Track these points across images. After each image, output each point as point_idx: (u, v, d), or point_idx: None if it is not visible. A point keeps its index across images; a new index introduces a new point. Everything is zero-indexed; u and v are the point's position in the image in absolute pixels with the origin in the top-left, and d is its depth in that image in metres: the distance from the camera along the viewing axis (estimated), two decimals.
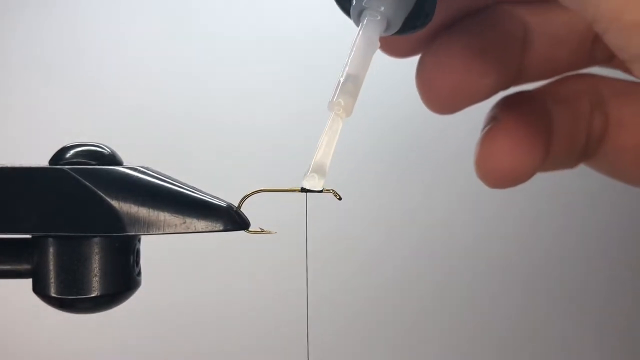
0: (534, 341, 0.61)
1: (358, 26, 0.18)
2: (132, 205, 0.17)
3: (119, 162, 0.18)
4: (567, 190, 0.60)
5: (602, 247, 0.61)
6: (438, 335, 0.60)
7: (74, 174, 0.17)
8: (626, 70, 0.18)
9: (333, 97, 0.17)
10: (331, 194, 0.18)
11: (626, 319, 0.61)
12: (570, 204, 0.61)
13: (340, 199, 0.18)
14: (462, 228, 0.60)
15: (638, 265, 0.61)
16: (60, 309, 0.18)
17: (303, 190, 0.18)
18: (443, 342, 0.60)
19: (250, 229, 0.19)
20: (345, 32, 0.64)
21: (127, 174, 0.17)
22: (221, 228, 0.18)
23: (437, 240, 0.60)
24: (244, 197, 0.19)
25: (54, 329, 0.56)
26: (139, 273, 0.19)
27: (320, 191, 0.17)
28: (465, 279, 0.60)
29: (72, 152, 0.18)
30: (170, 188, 0.18)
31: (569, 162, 0.22)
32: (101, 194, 0.17)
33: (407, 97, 0.61)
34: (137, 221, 0.17)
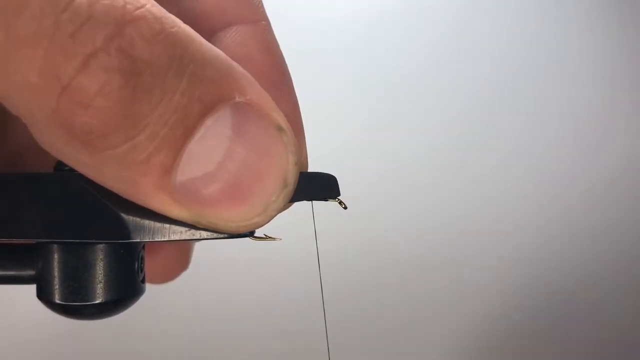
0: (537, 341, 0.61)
1: None
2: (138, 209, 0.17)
3: None
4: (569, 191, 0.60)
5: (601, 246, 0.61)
6: (450, 336, 0.60)
7: (79, 180, 0.17)
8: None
9: None
10: (336, 202, 0.18)
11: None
12: (570, 203, 0.61)
13: (345, 208, 0.18)
14: (472, 228, 0.60)
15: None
16: (65, 316, 0.18)
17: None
18: (454, 342, 0.60)
19: (254, 235, 0.19)
20: (351, 26, 0.63)
21: None
22: (226, 235, 0.18)
23: (450, 241, 0.60)
24: None
25: (57, 333, 0.56)
26: (144, 279, 0.19)
27: (326, 199, 0.17)
28: (477, 278, 0.60)
29: None
30: None
31: None
32: (106, 200, 0.17)
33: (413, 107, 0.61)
34: (142, 228, 0.17)
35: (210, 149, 0.14)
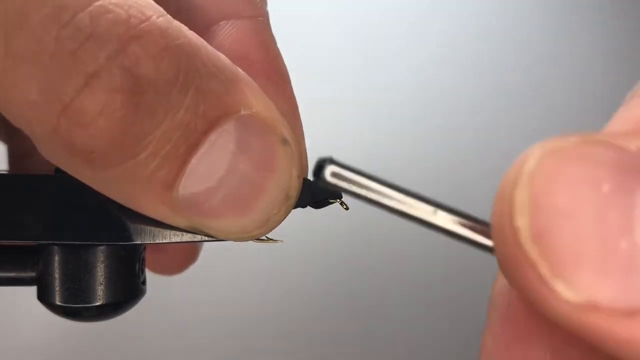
0: None
1: None
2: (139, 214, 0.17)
3: None
4: None
5: None
6: (451, 337, 0.60)
7: (80, 182, 0.17)
8: None
9: None
10: (337, 202, 0.18)
11: None
12: None
13: (347, 208, 0.18)
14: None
15: None
16: (65, 317, 0.18)
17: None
18: (454, 342, 0.60)
19: None
20: (342, 22, 0.63)
21: None
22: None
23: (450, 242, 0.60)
24: None
25: (57, 335, 0.56)
26: (144, 281, 0.19)
27: (328, 201, 0.17)
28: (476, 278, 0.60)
29: None
30: None
31: None
32: (107, 202, 0.17)
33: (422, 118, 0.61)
34: (143, 230, 0.17)
35: (213, 164, 0.14)
